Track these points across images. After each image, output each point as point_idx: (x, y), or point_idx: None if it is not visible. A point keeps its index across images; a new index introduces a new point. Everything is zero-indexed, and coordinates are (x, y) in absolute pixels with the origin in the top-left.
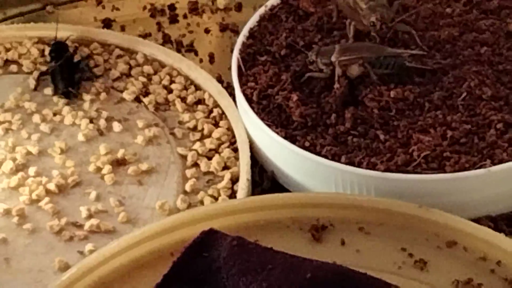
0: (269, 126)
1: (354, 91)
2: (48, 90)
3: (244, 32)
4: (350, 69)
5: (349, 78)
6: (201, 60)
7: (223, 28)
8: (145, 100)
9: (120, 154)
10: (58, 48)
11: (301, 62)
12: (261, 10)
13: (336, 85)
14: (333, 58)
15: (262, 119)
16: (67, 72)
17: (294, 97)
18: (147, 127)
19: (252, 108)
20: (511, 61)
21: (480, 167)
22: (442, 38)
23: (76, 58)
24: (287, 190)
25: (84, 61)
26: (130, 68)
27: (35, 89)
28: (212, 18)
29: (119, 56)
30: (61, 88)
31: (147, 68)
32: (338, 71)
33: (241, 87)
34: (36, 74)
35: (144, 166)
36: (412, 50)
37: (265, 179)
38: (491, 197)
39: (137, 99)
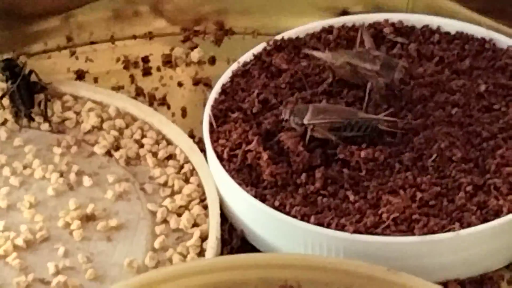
0: (239, 184)
1: (326, 151)
2: (18, 141)
3: (216, 88)
4: (315, 133)
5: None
6: (173, 114)
7: (196, 82)
8: (116, 154)
9: (89, 209)
10: (9, 65)
11: (273, 120)
12: (234, 66)
13: (299, 148)
14: (305, 120)
15: (233, 177)
16: (26, 93)
17: (265, 155)
18: (118, 182)
19: (223, 166)
20: (481, 123)
21: (448, 230)
22: (413, 98)
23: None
24: (256, 249)
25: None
26: (102, 121)
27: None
28: (186, 72)
29: (91, 109)
30: (23, 110)
31: (119, 122)
32: (309, 132)
33: (212, 144)
34: None
35: (113, 222)
36: (384, 114)
37: (234, 237)
38: (460, 260)
39: (108, 153)
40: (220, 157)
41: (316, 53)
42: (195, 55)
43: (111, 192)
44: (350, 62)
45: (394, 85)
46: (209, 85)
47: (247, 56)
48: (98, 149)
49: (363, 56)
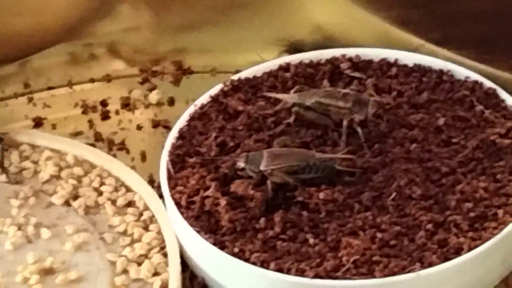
0: (197, 232)
1: (285, 193)
2: None
3: (173, 132)
4: (273, 178)
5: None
6: (133, 159)
7: (155, 124)
8: (75, 203)
9: (48, 262)
10: None
11: (230, 163)
12: (191, 109)
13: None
14: (261, 167)
15: (191, 225)
16: None
17: (223, 201)
18: (76, 232)
19: (181, 213)
20: (440, 158)
21: (409, 271)
22: (372, 135)
23: None
24: None
25: None
26: (60, 169)
27: None
28: (145, 114)
29: (48, 158)
30: None
31: (77, 170)
32: (269, 178)
33: (170, 191)
34: None
35: (72, 275)
36: (342, 153)
37: (195, 285)
38: None
39: (67, 203)
40: (178, 204)
41: (281, 96)
42: (153, 96)
43: (70, 243)
44: (321, 101)
45: (369, 120)
46: (168, 127)
47: (204, 98)
48: (57, 199)
49: (333, 94)
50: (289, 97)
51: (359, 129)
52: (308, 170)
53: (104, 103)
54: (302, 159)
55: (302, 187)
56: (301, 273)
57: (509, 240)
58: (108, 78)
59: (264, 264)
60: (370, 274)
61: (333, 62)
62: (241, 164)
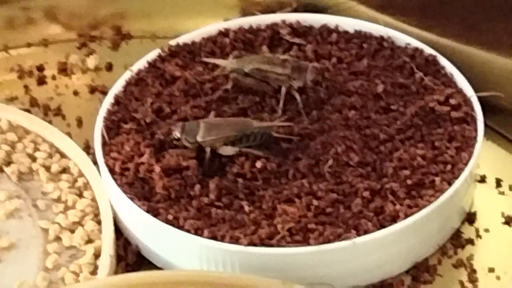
0: (131, 199)
1: (220, 160)
2: None
3: (109, 98)
4: (221, 150)
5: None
6: (68, 125)
7: (93, 90)
8: (8, 169)
9: None
10: None
11: (166, 130)
12: (127, 75)
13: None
14: (199, 138)
15: (124, 192)
16: None
17: (157, 168)
18: (9, 199)
19: (115, 180)
20: (378, 125)
21: (344, 239)
22: (310, 102)
23: None
24: (153, 264)
25: None
26: None
27: None
28: (82, 79)
29: None
30: None
31: (11, 135)
32: (207, 150)
33: (104, 157)
34: None
35: (3, 242)
36: (279, 120)
37: (129, 253)
38: (358, 268)
39: (0, 169)
40: (112, 171)
41: (219, 61)
42: (91, 61)
43: (1, 210)
44: (259, 67)
45: (307, 87)
46: (105, 93)
47: (141, 63)
48: None
49: (271, 60)
50: (227, 63)
51: (297, 96)
52: (245, 139)
53: (40, 68)
54: (240, 129)
55: (238, 156)
56: (235, 240)
57: (446, 208)
58: (45, 43)
59: (198, 232)
60: (305, 242)
61: (273, 27)
62: (177, 133)
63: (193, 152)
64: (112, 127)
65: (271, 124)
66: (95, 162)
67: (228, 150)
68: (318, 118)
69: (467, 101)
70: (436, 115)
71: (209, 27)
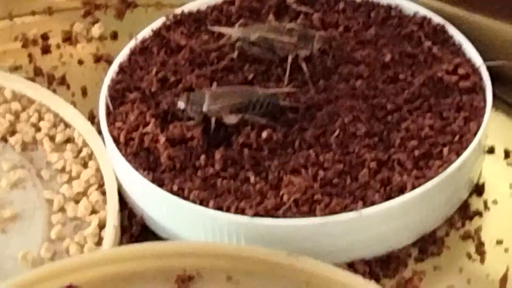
0: (136, 169)
1: (226, 130)
2: None
3: (114, 67)
4: (226, 119)
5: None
6: (73, 94)
7: (97, 59)
8: (12, 139)
9: None
10: None
11: (171, 99)
12: (132, 43)
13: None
14: (205, 108)
15: (129, 162)
16: None
17: (162, 138)
18: (13, 169)
19: (119, 150)
20: (386, 95)
21: (351, 210)
22: (317, 71)
23: None
24: (157, 235)
25: None
26: None
27: None
28: (86, 48)
29: None
30: None
31: (15, 105)
32: (213, 120)
33: (108, 127)
34: None
35: (7, 213)
36: (284, 88)
37: (134, 224)
38: (365, 240)
39: (3, 139)
40: (116, 141)
41: (225, 29)
42: (96, 30)
43: (5, 180)
44: (265, 36)
45: (314, 56)
46: (110, 62)
47: (146, 32)
48: None
49: (277, 29)
50: (233, 32)
51: (304, 65)
52: (251, 107)
53: (45, 37)
54: (245, 96)
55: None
56: (241, 211)
57: (454, 180)
58: (49, 11)
59: (203, 202)
60: (311, 213)
61: None
62: (182, 104)
63: (198, 122)
64: (117, 96)
65: (277, 90)
66: (99, 132)
67: (232, 118)
68: (324, 87)
69: (475, 71)
70: (444, 85)
71: None
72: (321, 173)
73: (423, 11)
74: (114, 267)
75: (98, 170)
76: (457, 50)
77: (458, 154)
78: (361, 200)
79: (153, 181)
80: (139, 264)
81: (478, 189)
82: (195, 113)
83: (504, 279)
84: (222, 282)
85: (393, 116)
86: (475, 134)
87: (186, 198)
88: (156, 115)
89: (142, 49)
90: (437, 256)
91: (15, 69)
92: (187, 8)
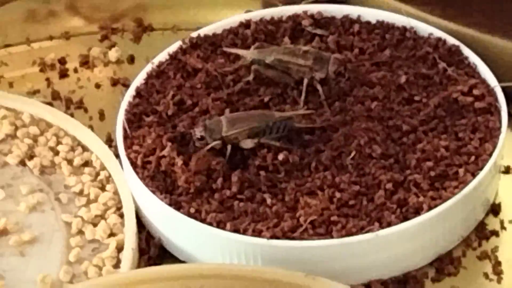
0: (153, 192)
1: (242, 153)
2: None
3: (130, 91)
4: (243, 143)
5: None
6: (91, 118)
7: (115, 82)
8: (30, 163)
9: (1, 223)
10: None
11: (188, 122)
12: (148, 67)
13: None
14: (224, 133)
15: (146, 185)
16: None
17: (179, 161)
18: (31, 192)
19: (137, 173)
20: (401, 116)
21: (367, 231)
22: (332, 93)
23: None
24: (175, 257)
25: None
26: (16, 128)
27: None
28: (104, 72)
29: (4, 117)
30: None
31: (33, 129)
32: (229, 147)
33: (125, 150)
34: None
35: (26, 236)
36: (299, 110)
37: (152, 246)
38: (381, 260)
39: (22, 163)
40: (133, 164)
41: (240, 51)
42: (113, 54)
43: (24, 204)
44: (281, 59)
45: (330, 78)
46: (127, 86)
47: (162, 56)
48: (11, 159)
49: (293, 52)
50: (249, 54)
51: (319, 87)
52: (268, 130)
53: (62, 61)
54: (262, 120)
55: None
56: (258, 233)
57: (470, 200)
58: (66, 36)
59: (220, 225)
60: (327, 235)
61: (295, 18)
62: (199, 133)
63: (219, 148)
64: (134, 120)
65: (292, 113)
66: (117, 155)
67: (249, 143)
68: (340, 109)
69: (490, 92)
70: (459, 105)
71: (231, 19)
72: (337, 194)
73: (437, 33)
74: None
75: (115, 193)
76: (472, 71)
77: (474, 175)
78: (377, 221)
79: (170, 204)
80: (157, 287)
81: (494, 209)
82: (214, 140)
83: None
84: None
85: (408, 138)
86: (490, 154)
87: (203, 220)
88: (172, 139)
89: (159, 73)
90: (454, 276)
91: (33, 93)
92: (203, 31)
